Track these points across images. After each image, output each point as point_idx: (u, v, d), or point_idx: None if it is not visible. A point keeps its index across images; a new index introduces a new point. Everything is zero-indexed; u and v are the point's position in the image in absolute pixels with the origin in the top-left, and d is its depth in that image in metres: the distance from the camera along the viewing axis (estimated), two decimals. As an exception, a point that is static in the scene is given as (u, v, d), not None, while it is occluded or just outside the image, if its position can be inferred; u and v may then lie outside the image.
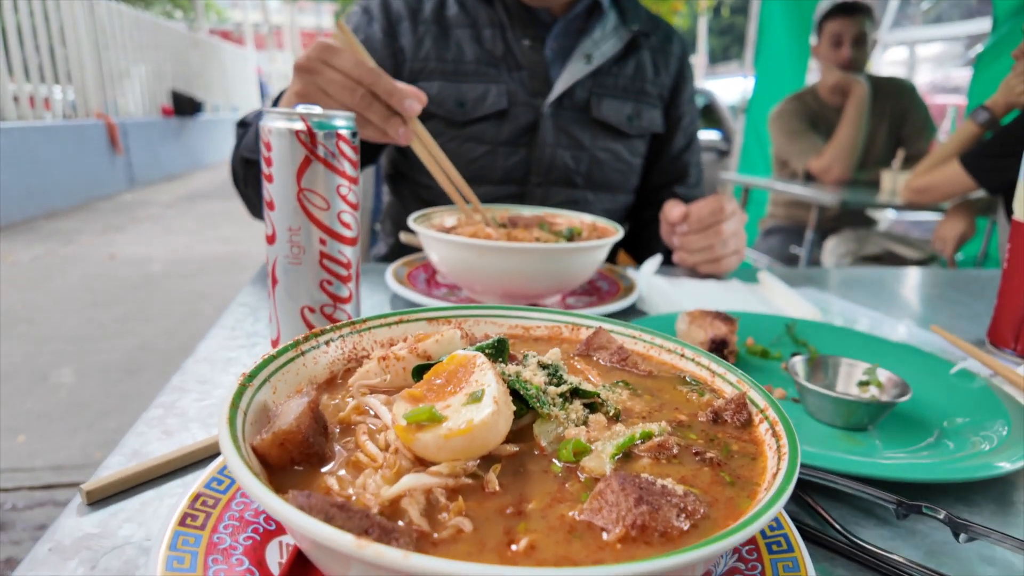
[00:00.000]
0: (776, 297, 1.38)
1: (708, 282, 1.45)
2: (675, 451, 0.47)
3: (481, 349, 0.54)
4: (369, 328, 0.63)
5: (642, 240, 1.87)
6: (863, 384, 0.85)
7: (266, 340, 0.97)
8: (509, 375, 0.49)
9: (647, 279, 1.36)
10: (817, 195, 3.39)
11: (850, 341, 1.04)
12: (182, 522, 0.49)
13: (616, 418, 0.51)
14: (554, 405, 0.49)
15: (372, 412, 0.51)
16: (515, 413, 0.47)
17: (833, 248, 3.73)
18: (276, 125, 0.83)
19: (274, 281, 0.89)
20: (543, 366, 0.52)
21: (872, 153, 3.90)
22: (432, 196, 1.66)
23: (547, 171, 1.61)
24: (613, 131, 1.67)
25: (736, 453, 0.48)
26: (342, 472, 0.44)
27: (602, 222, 1.32)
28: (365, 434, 0.47)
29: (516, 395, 0.49)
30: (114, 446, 0.73)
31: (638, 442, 0.47)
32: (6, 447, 3.12)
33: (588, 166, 1.67)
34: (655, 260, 1.44)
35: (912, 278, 1.77)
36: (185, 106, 12.61)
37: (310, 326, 0.89)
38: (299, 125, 0.83)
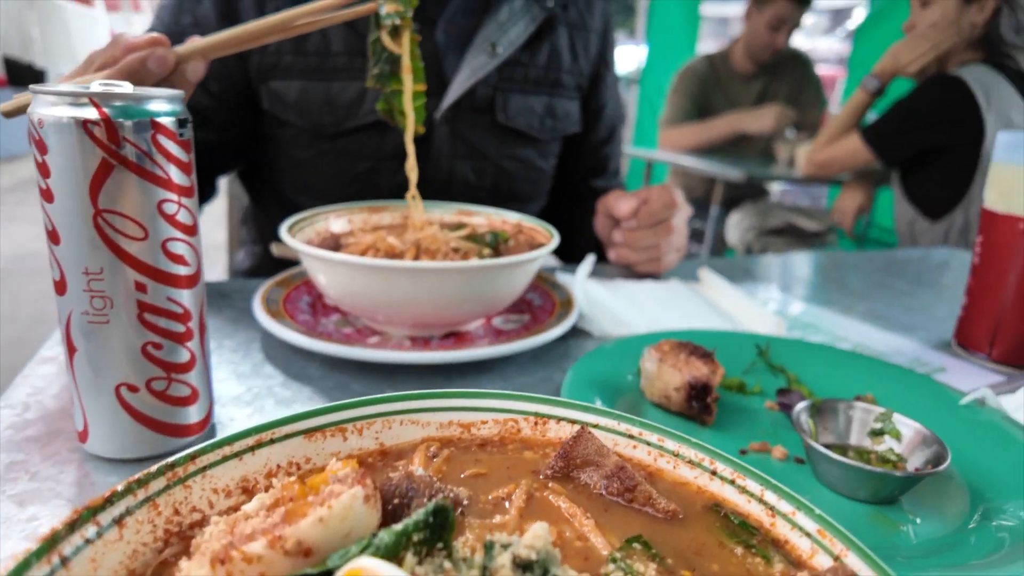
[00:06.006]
0: (723, 300, 1.22)
1: (646, 283, 1.27)
2: None
3: (405, 535, 0.30)
4: (201, 470, 0.37)
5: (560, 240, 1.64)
6: (876, 434, 0.69)
7: (72, 432, 0.66)
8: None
9: (582, 285, 1.15)
10: (724, 170, 3.34)
11: (833, 363, 0.89)
12: None
13: (659, 658, 0.29)
14: (552, 658, 0.26)
15: None
16: None
17: (737, 222, 3.73)
18: (51, 113, 0.53)
19: (71, 348, 0.59)
20: (523, 566, 0.29)
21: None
22: (306, 204, 1.30)
23: (444, 187, 1.31)
24: (522, 136, 1.38)
25: None
26: None
27: (529, 222, 1.09)
28: None
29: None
30: None
31: None
32: None
33: (493, 179, 1.38)
34: (589, 262, 1.24)
35: (842, 262, 1.69)
36: (23, 74, 11.04)
37: (133, 411, 0.60)
38: (90, 113, 0.53)
